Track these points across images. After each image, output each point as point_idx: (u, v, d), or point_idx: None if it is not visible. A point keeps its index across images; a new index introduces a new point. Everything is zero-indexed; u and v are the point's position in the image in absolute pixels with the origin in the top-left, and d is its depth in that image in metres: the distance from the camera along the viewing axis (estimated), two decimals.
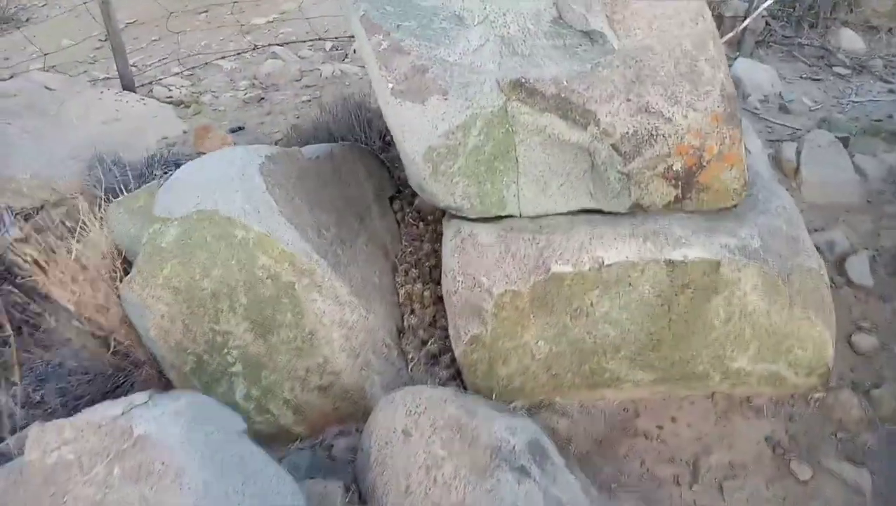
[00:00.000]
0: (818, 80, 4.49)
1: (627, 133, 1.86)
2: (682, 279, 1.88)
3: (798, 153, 3.28)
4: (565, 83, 1.88)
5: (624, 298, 1.90)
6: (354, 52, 5.54)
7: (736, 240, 1.91)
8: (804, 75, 4.57)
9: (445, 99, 1.92)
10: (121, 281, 1.88)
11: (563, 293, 1.88)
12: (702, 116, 1.87)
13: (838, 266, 2.69)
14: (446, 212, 2.09)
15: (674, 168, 1.89)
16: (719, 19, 5.07)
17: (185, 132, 4.05)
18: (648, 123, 1.86)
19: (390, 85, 1.95)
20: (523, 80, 1.90)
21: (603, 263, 1.85)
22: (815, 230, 2.90)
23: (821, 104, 4.17)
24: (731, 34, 4.61)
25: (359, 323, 1.93)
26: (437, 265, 2.34)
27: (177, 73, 5.20)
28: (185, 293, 1.83)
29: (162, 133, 4.00)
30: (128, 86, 4.53)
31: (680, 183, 1.92)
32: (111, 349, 1.89)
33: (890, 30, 5.11)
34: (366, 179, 2.57)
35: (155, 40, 6.78)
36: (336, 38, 5.97)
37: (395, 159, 2.72)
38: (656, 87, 1.87)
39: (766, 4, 4.46)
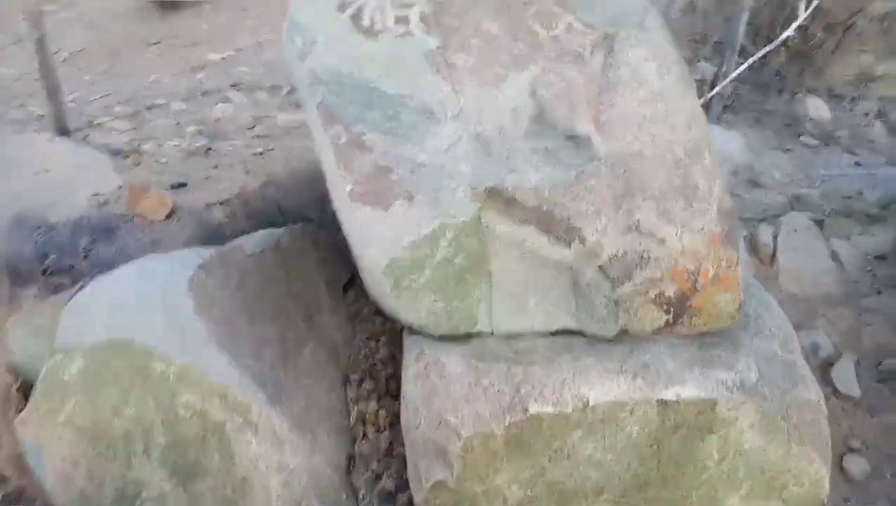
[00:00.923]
0: (787, 150, 4.41)
1: (616, 255, 1.64)
2: (675, 419, 1.66)
3: (775, 238, 3.14)
4: (547, 194, 1.66)
5: (610, 440, 1.66)
6: None
7: (733, 374, 1.70)
8: (773, 145, 4.49)
9: (412, 205, 1.67)
10: (18, 411, 1.56)
11: (543, 434, 1.64)
12: (697, 238, 1.66)
13: (823, 372, 2.52)
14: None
15: (666, 294, 1.68)
16: None
17: (120, 187, 3.70)
18: (640, 245, 1.64)
19: (349, 187, 1.69)
20: (500, 189, 1.67)
21: (588, 402, 1.61)
22: (797, 328, 2.73)
23: (791, 178, 4.07)
24: (700, 100, 4.50)
25: (301, 464, 1.65)
26: (396, 375, 2.07)
27: (119, 116, 4.85)
28: (91, 433, 1.53)
29: (95, 188, 3.64)
30: (62, 129, 4.17)
31: (672, 308, 1.70)
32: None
33: (853, 98, 5.10)
34: (317, 268, 2.30)
35: (101, 73, 6.42)
36: (290, 87, 5.70)
37: None
38: (648, 203, 1.67)
39: (736, 73, 4.37)
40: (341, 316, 2.29)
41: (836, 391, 2.43)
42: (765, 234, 3.13)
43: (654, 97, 1.83)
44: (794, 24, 4.20)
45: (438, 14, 1.94)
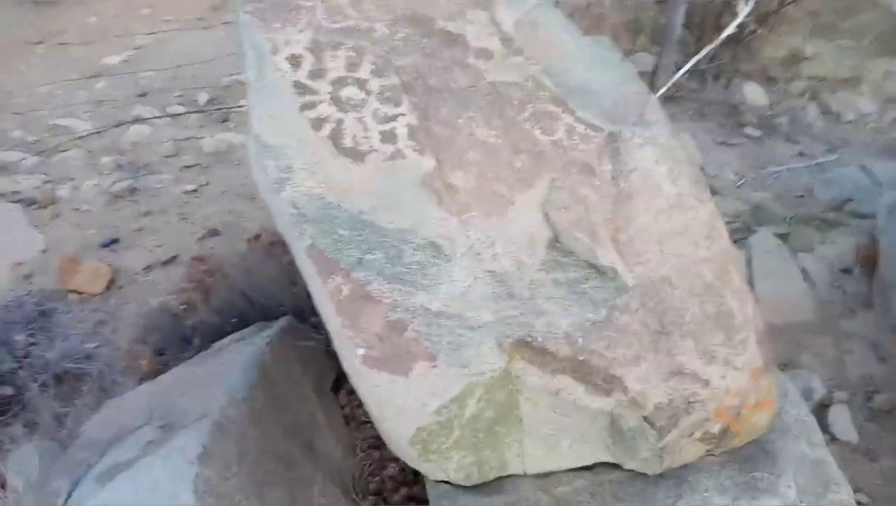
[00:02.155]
0: (732, 144, 4.42)
1: (662, 404, 1.54)
2: None
3: (749, 262, 3.13)
4: (581, 341, 1.53)
5: None
6: (240, 107, 4.89)
7: (778, 500, 1.66)
8: (718, 139, 4.49)
9: (434, 366, 1.52)
10: None
11: None
12: (741, 376, 1.59)
13: (818, 416, 2.54)
14: None
15: (711, 431, 1.60)
16: None
17: (44, 252, 3.33)
18: (684, 389, 1.55)
19: (361, 351, 1.51)
20: (529, 339, 1.53)
21: None
22: (784, 366, 2.76)
23: (742, 177, 4.09)
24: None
25: None
26: (412, 497, 1.95)
27: (20, 146, 4.35)
28: None
29: (15, 256, 3.26)
30: None
31: (715, 441, 1.63)
32: None
33: (787, 80, 5.16)
34: (304, 378, 2.12)
35: None
36: (207, 87, 5.27)
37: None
38: (686, 340, 1.57)
39: (683, 70, 4.30)
40: (337, 426, 2.13)
41: (834, 438, 2.46)
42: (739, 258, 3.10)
43: (671, 207, 1.72)
44: (735, 22, 4.14)
45: (426, 123, 1.74)
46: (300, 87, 1.73)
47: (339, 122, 1.70)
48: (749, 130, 4.62)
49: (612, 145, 1.78)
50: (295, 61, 1.75)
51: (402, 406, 1.51)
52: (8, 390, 2.46)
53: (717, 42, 4.30)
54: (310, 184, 1.64)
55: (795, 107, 4.94)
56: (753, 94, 5.00)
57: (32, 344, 2.60)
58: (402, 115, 1.73)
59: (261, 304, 2.38)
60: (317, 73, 1.75)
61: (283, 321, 2.26)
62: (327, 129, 1.69)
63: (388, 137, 1.69)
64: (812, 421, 1.92)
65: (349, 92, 1.74)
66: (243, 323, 2.41)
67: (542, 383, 1.55)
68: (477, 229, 1.61)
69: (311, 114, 1.70)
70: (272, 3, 1.85)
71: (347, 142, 1.68)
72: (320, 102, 1.72)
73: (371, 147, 1.68)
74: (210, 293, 2.54)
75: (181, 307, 2.51)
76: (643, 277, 1.62)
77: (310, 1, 1.86)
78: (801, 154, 4.45)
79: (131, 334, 2.63)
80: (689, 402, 1.55)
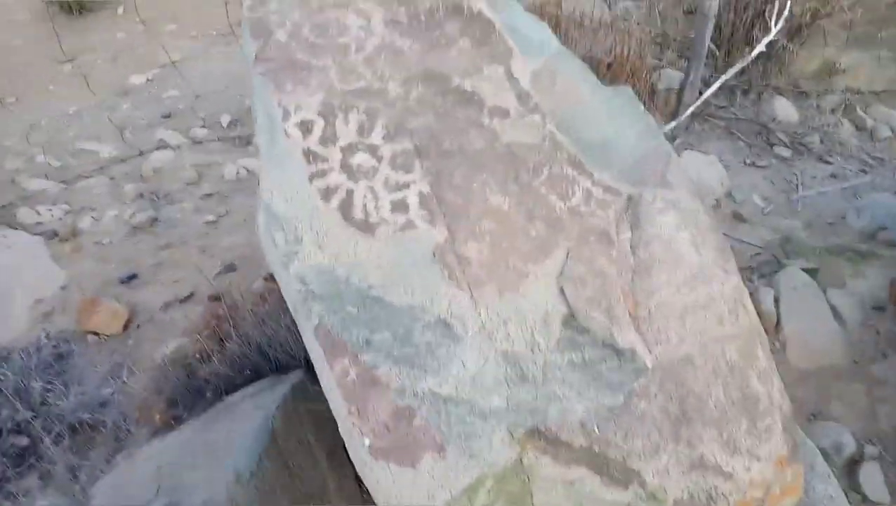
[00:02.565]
0: (761, 166, 4.29)
1: (682, 498, 1.47)
2: None
3: (776, 301, 3.03)
4: (597, 431, 1.47)
5: None
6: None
7: None
8: (747, 160, 4.37)
9: (444, 458, 1.46)
10: None
11: None
12: (766, 466, 1.51)
13: (849, 474, 2.45)
14: None
15: None
16: (653, 92, 4.80)
17: (63, 289, 3.34)
18: (706, 483, 1.48)
19: (367, 440, 1.46)
20: (543, 428, 1.47)
21: None
22: (813, 416, 2.66)
23: (771, 202, 3.97)
24: (675, 122, 4.33)
25: None
26: None
27: (44, 173, 4.38)
28: None
29: (35, 293, 3.28)
30: None
31: None
32: None
33: (819, 94, 5.00)
34: (314, 442, 2.07)
35: (13, 105, 5.84)
36: (230, 108, 5.28)
37: None
38: (708, 429, 1.49)
39: (710, 91, 4.19)
40: (350, 491, 2.08)
41: (865, 499, 2.36)
42: (766, 297, 3.01)
43: (693, 278, 1.64)
44: (766, 40, 4.02)
45: (438, 190, 1.68)
46: (310, 155, 1.68)
47: (350, 192, 1.65)
48: (779, 150, 4.48)
49: (631, 210, 1.71)
50: (305, 127, 1.71)
51: (409, 499, 1.45)
52: (23, 441, 2.46)
53: (746, 60, 4.18)
54: (318, 257, 1.60)
55: (828, 123, 4.79)
56: (784, 110, 4.86)
57: (48, 391, 2.60)
58: (414, 182, 1.68)
59: (275, 356, 2.35)
60: (327, 140, 1.70)
61: (294, 377, 2.22)
62: (337, 199, 1.64)
63: (399, 207, 1.64)
64: (841, 497, 1.83)
65: (360, 159, 1.69)
66: (257, 375, 2.38)
67: (555, 474, 1.49)
68: (489, 307, 1.55)
69: (321, 183, 1.66)
70: (284, 63, 1.81)
71: (357, 213, 1.63)
72: (330, 171, 1.67)
73: (381, 218, 1.62)
74: (225, 342, 2.51)
75: (195, 356, 2.48)
76: (663, 358, 1.55)
77: (322, 60, 1.82)
78: (833, 176, 4.30)
79: (146, 381, 2.62)
80: (711, 496, 1.48)
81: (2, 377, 2.69)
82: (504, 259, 1.61)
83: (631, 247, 1.66)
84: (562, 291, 1.58)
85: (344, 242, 1.61)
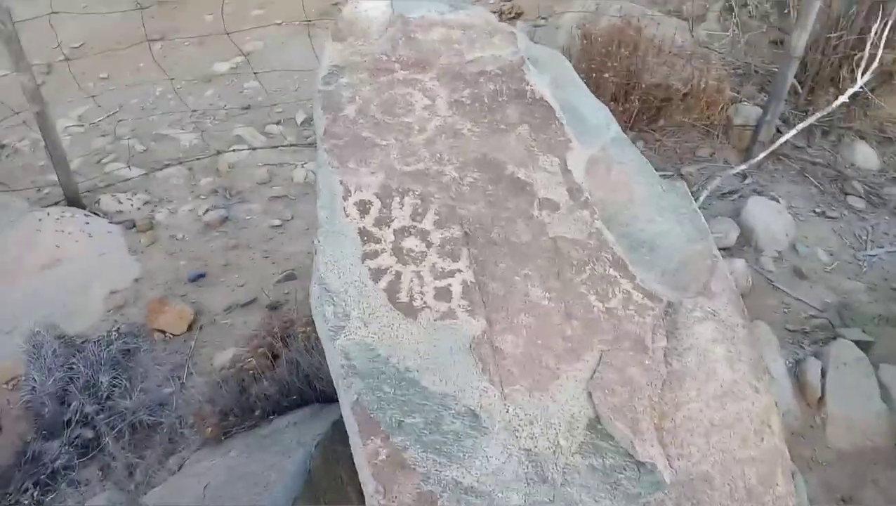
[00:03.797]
0: (832, 217, 4.18)
1: None
2: None
3: (823, 375, 2.99)
4: None
5: None
6: None
7: None
8: (817, 208, 4.26)
9: None
10: None
11: None
12: None
13: None
14: None
15: None
16: (728, 126, 4.71)
17: (136, 281, 3.58)
18: None
19: None
20: None
21: None
22: (843, 501, 2.65)
23: (836, 259, 3.87)
24: (747, 164, 4.25)
25: None
26: None
27: (127, 158, 4.63)
28: None
29: (111, 284, 3.52)
30: (72, 200, 4.00)
31: None
32: None
33: None
34: (348, 483, 2.21)
35: (103, 80, 6.15)
36: (306, 103, 5.43)
37: None
38: None
39: (788, 136, 4.09)
40: None
41: None
42: (813, 370, 2.98)
43: (723, 395, 1.68)
44: (850, 91, 3.90)
45: (482, 278, 1.76)
46: (365, 235, 1.78)
47: (398, 274, 1.75)
48: (852, 201, 4.34)
49: (670, 317, 1.75)
50: (363, 207, 1.81)
51: None
52: (89, 433, 2.70)
53: (827, 110, 4.06)
54: (363, 334, 1.70)
55: None
56: (864, 156, 4.68)
57: (114, 386, 2.83)
58: (459, 270, 1.76)
59: (320, 387, 2.49)
60: (382, 221, 1.80)
61: (334, 414, 2.36)
62: (385, 280, 1.74)
63: (443, 295, 1.73)
64: None
65: (411, 243, 1.78)
66: (303, 400, 2.54)
67: None
68: (518, 405, 1.63)
69: (373, 264, 1.76)
70: (350, 139, 1.91)
71: (403, 296, 1.72)
72: (382, 252, 1.77)
73: (425, 304, 1.72)
74: (276, 361, 2.67)
75: (248, 372, 2.66)
76: (682, 473, 1.60)
77: (386, 139, 1.91)
78: None
79: (203, 387, 2.81)
80: None
81: (76, 369, 2.93)
82: (538, 356, 1.68)
83: (665, 356, 1.70)
84: (590, 395, 1.64)
85: (388, 323, 1.71)
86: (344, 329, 1.71)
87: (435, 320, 1.70)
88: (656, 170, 4.13)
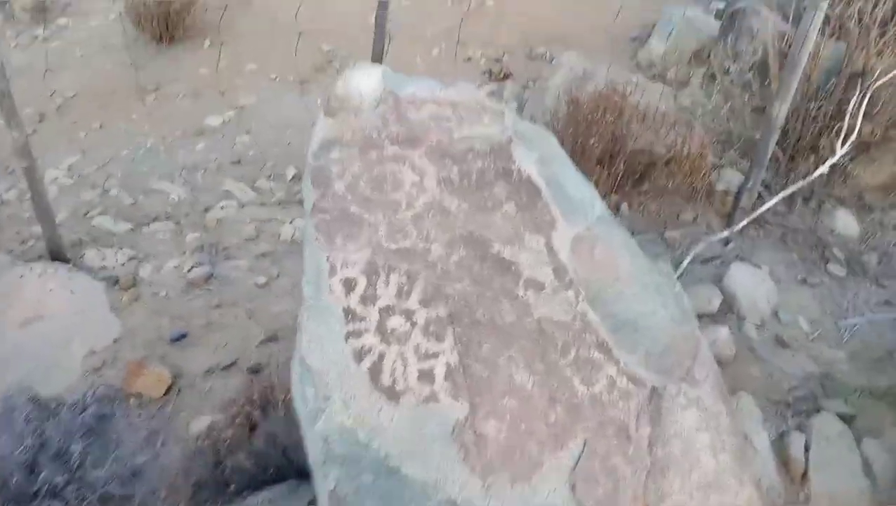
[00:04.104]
0: (813, 284, 4.22)
1: None
2: None
3: (807, 449, 2.98)
4: None
5: None
6: None
7: None
8: (799, 276, 4.30)
9: None
10: None
11: None
12: None
13: None
14: None
15: None
16: (710, 192, 4.78)
17: (115, 341, 3.52)
18: None
19: None
20: None
21: None
22: None
23: (818, 327, 3.89)
24: (729, 231, 4.31)
25: None
26: None
27: (114, 211, 4.61)
28: None
29: (90, 343, 3.47)
30: (56, 254, 3.97)
31: None
32: None
33: (883, 209, 4.89)
34: None
35: (95, 131, 6.16)
36: (296, 160, 5.46)
37: None
38: None
39: (769, 205, 4.16)
40: None
41: None
42: (796, 444, 2.97)
43: (707, 486, 1.67)
44: (830, 161, 3.99)
45: (466, 360, 1.75)
46: (350, 313, 1.78)
47: (381, 355, 1.73)
48: (833, 267, 4.39)
49: (654, 403, 1.74)
50: (349, 285, 1.81)
51: None
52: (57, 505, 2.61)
53: (806, 181, 4.14)
54: (343, 417, 1.68)
55: (888, 243, 4.67)
56: (844, 223, 4.76)
57: (87, 454, 2.75)
58: (444, 352, 1.75)
59: (298, 462, 2.44)
60: (367, 299, 1.80)
61: (313, 492, 2.31)
62: (368, 361, 1.73)
63: (426, 377, 1.72)
64: None
65: (395, 322, 1.77)
66: (280, 475, 2.48)
67: None
68: (499, 497, 1.60)
69: (356, 343, 1.74)
70: (339, 215, 1.91)
71: (385, 379, 1.71)
72: (365, 332, 1.76)
73: (407, 386, 1.70)
74: (255, 432, 2.62)
75: (225, 442, 2.60)
76: None
77: (374, 215, 1.92)
78: (887, 302, 4.19)
79: (178, 456, 2.75)
80: None
81: (48, 435, 2.87)
82: (521, 444, 1.67)
83: (649, 445, 1.69)
84: (573, 488, 1.62)
85: (369, 406, 1.69)
86: (324, 411, 1.69)
87: (417, 404, 1.69)
88: (641, 233, 4.16)
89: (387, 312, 1.78)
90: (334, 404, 1.68)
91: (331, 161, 1.99)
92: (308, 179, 1.97)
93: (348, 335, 1.75)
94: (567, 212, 2.04)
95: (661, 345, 1.84)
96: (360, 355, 1.73)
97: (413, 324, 1.77)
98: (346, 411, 1.67)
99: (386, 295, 1.80)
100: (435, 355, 1.74)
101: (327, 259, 1.84)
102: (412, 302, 1.80)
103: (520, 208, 1.98)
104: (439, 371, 1.72)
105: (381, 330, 1.76)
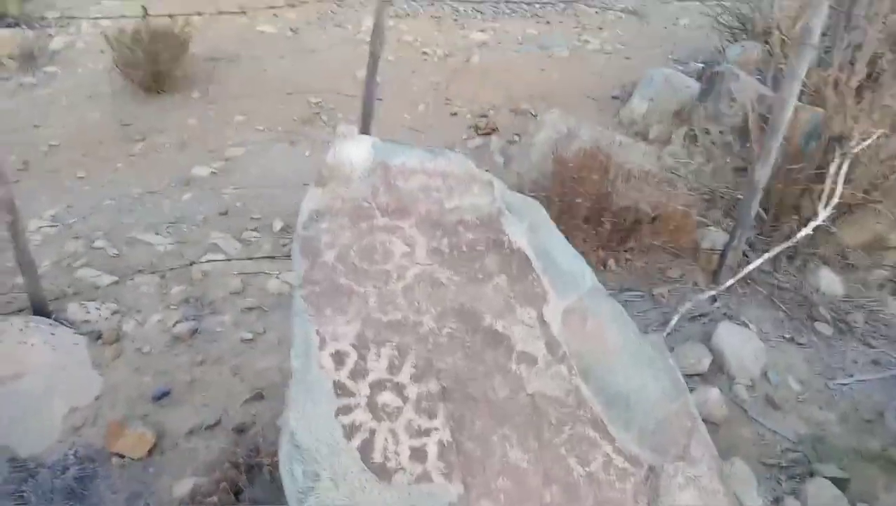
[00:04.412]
0: (801, 344, 4.23)
1: None
2: None
3: None
4: None
5: None
6: None
7: None
8: (786, 334, 4.31)
9: None
10: None
11: None
12: None
13: None
14: None
15: None
16: (696, 250, 4.82)
17: (97, 399, 3.45)
18: None
19: None
20: None
21: None
22: None
23: (808, 388, 3.89)
24: (716, 290, 4.33)
25: None
26: None
27: (97, 264, 4.56)
28: None
29: (71, 401, 3.39)
30: (38, 307, 3.90)
31: None
32: None
33: (867, 267, 4.94)
34: None
35: (82, 177, 6.14)
36: (284, 212, 5.46)
37: None
38: None
39: (752, 266, 4.20)
40: None
41: None
42: None
43: None
44: (812, 224, 4.04)
45: (459, 437, 1.72)
46: (340, 389, 1.74)
47: (372, 432, 1.70)
48: (820, 327, 4.41)
49: (651, 483, 1.71)
50: (339, 359, 1.78)
51: None
52: None
53: (788, 244, 4.19)
54: (333, 497, 1.64)
55: (874, 301, 4.71)
56: (829, 282, 4.80)
57: None
58: (436, 429, 1.72)
59: None
60: (358, 374, 1.77)
61: None
62: (359, 438, 1.69)
63: (418, 456, 1.68)
64: None
65: (386, 398, 1.74)
66: None
67: None
68: None
69: (346, 419, 1.71)
70: (328, 286, 1.90)
71: (377, 456, 1.67)
72: (356, 407, 1.73)
73: (399, 464, 1.67)
74: (239, 497, 2.56)
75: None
76: None
77: (364, 286, 1.90)
78: (875, 362, 4.20)
79: None
80: None
81: (26, 498, 2.78)
82: None
83: None
84: None
85: (360, 485, 1.65)
86: (313, 490, 1.65)
87: (409, 484, 1.65)
88: (628, 289, 4.16)
89: (378, 386, 1.76)
90: (324, 482, 1.64)
91: (320, 231, 1.98)
92: (297, 249, 1.96)
93: (338, 411, 1.72)
94: (558, 284, 2.04)
95: (655, 421, 1.83)
96: (350, 432, 1.69)
97: (405, 399, 1.75)
98: (337, 491, 1.63)
99: (377, 369, 1.78)
100: (427, 432, 1.71)
101: (317, 332, 1.81)
102: (403, 376, 1.78)
103: (511, 280, 1.98)
104: (432, 449, 1.69)
105: (372, 406, 1.73)
